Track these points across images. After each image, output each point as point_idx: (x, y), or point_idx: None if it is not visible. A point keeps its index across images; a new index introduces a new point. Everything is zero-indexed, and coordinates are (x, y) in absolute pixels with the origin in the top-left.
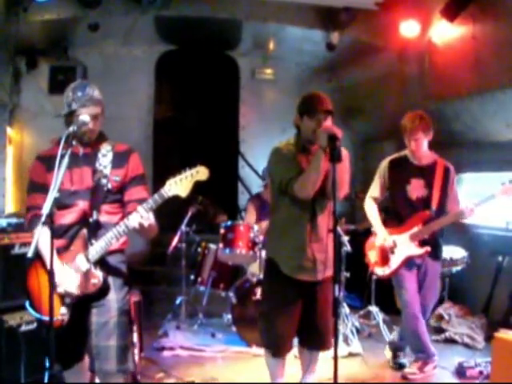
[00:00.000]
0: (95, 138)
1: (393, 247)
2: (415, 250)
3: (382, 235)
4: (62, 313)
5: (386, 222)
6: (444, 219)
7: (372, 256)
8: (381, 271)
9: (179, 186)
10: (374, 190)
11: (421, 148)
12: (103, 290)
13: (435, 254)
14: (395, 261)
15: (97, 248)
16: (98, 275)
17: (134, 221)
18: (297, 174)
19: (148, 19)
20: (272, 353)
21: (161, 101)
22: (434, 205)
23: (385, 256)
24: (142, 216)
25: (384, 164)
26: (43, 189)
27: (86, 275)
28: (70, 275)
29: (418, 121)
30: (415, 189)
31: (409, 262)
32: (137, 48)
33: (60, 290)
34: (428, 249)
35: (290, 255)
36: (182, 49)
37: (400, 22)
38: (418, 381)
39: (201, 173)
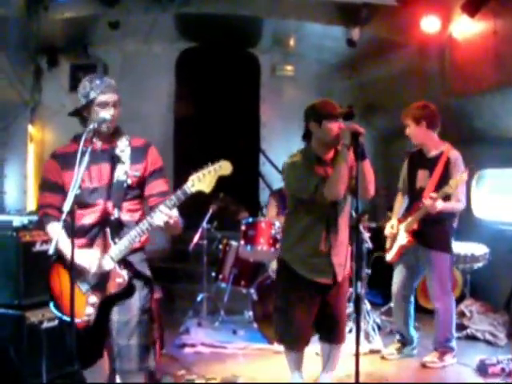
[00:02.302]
0: (113, 133)
1: (395, 235)
2: (404, 240)
3: (389, 223)
4: (87, 313)
5: (405, 212)
6: (418, 212)
7: (387, 242)
8: (387, 257)
9: (202, 181)
10: (400, 182)
11: (413, 135)
12: (128, 289)
13: (435, 244)
14: (394, 248)
15: (120, 247)
16: (123, 274)
17: (158, 219)
18: (320, 180)
19: (168, 17)
20: (287, 347)
21: (181, 98)
22: (426, 195)
23: (392, 243)
24: (166, 214)
25: (406, 157)
26: (55, 187)
27: (110, 275)
28: (92, 255)
29: (410, 109)
30: (420, 179)
31: (406, 252)
32: (157, 45)
33: (94, 270)
34: (409, 239)
35: (307, 261)
36: (203, 46)
37: (420, 17)
38: (437, 369)
39: (224, 167)
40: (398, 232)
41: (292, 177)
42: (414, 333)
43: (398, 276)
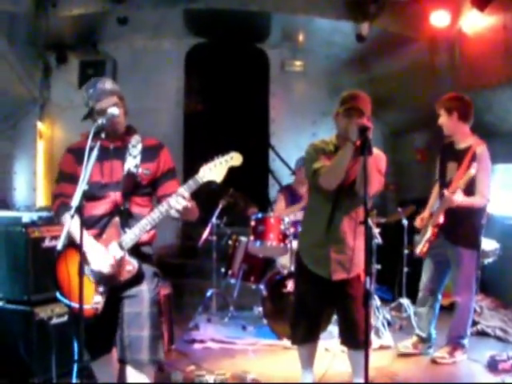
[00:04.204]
0: (124, 132)
1: (422, 229)
2: (429, 233)
3: (420, 216)
4: (95, 301)
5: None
6: (441, 205)
7: (419, 236)
8: (416, 250)
9: (213, 171)
10: (436, 174)
11: (442, 124)
12: (137, 278)
13: (462, 241)
14: (422, 242)
15: (131, 235)
16: (133, 262)
17: (175, 203)
18: (321, 167)
19: (177, 12)
20: (291, 340)
21: (190, 94)
22: (451, 189)
23: (422, 237)
24: (184, 197)
25: (440, 149)
26: (72, 179)
27: (121, 262)
28: (103, 253)
29: (443, 99)
30: (449, 172)
31: (434, 247)
32: (166, 41)
33: (94, 267)
34: (433, 232)
35: (308, 249)
36: (211, 41)
37: (430, 11)
38: (447, 365)
39: (235, 158)
40: (428, 226)
41: (305, 157)
42: (433, 331)
43: (426, 270)
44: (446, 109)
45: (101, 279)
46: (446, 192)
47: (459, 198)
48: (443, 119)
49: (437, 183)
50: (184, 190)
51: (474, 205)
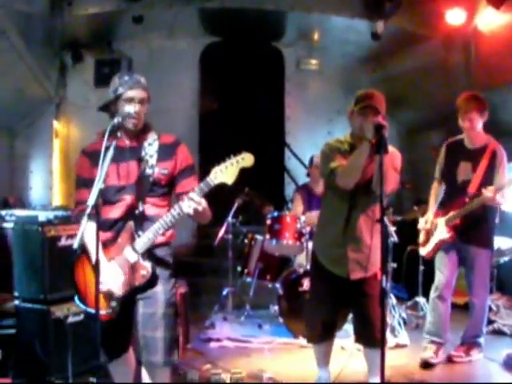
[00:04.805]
0: (141, 130)
1: (431, 229)
2: (445, 235)
3: (425, 217)
4: (111, 306)
5: (443, 205)
6: (469, 205)
7: (421, 236)
8: (422, 251)
9: (225, 173)
10: (436, 172)
11: (475, 128)
12: (151, 282)
13: (476, 240)
14: (431, 243)
15: (144, 239)
16: (147, 266)
17: (187, 207)
18: (338, 166)
19: (192, 11)
20: (307, 339)
21: (205, 93)
22: (472, 189)
23: (428, 237)
24: (195, 201)
25: (443, 147)
26: (90, 183)
27: (135, 267)
28: (115, 273)
29: (473, 101)
30: (462, 172)
31: (446, 246)
32: (181, 40)
33: (104, 288)
34: (451, 234)
35: (325, 248)
36: (227, 40)
37: (445, 9)
38: (463, 364)
39: (246, 159)
40: (436, 226)
41: (321, 157)
42: (448, 332)
43: (438, 270)
44: (478, 110)
45: (111, 296)
46: (484, 191)
47: (497, 197)
48: (475, 122)
49: (435, 182)
50: (195, 194)
51: (500, 204)
